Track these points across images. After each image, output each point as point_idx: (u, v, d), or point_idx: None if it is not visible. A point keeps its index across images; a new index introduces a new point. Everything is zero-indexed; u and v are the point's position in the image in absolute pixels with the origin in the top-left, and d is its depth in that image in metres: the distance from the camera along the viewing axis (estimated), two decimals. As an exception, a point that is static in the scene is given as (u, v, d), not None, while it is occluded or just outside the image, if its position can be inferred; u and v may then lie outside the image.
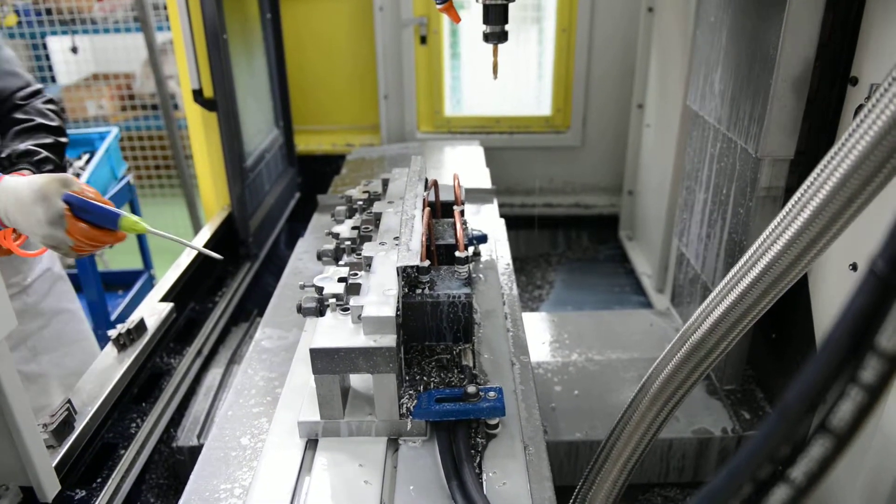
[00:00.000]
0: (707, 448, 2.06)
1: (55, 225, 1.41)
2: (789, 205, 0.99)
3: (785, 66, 1.70)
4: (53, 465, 1.36)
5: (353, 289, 1.37)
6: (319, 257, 1.63)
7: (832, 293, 1.73)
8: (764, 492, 0.53)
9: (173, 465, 1.87)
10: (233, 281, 2.62)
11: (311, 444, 1.29)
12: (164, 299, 2.11)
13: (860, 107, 1.62)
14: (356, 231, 1.62)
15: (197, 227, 4.50)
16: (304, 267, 2.11)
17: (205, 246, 2.49)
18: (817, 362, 0.50)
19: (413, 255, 1.38)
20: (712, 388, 2.21)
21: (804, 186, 0.95)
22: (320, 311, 1.34)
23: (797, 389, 0.50)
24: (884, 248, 0.47)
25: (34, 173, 1.50)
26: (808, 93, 1.73)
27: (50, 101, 1.86)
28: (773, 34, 1.71)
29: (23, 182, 1.43)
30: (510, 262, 2.04)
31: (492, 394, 1.29)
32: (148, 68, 4.69)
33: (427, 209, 1.58)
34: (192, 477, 1.30)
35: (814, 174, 0.93)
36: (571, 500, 1.40)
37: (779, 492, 0.52)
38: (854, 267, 1.60)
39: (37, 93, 1.85)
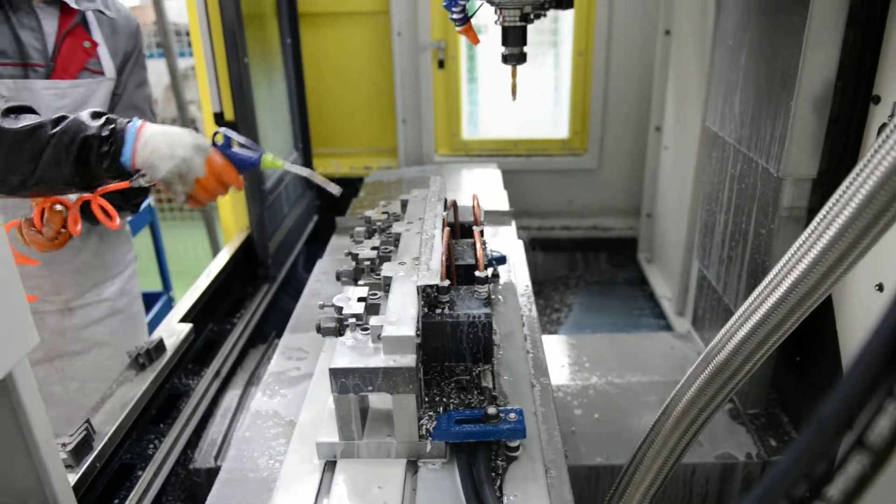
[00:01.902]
0: (731, 474, 2.02)
1: (198, 150, 1.55)
2: (813, 223, 0.98)
3: (806, 86, 1.69)
4: (71, 484, 1.35)
5: (373, 308, 1.37)
6: (338, 277, 1.63)
7: (858, 314, 1.70)
8: (799, 511, 0.51)
9: (190, 487, 1.86)
10: (251, 303, 2.63)
11: (330, 466, 1.28)
12: (183, 320, 2.11)
13: (884, 125, 1.60)
14: (375, 251, 1.62)
15: (216, 250, 4.53)
16: (323, 288, 2.11)
17: (224, 268, 2.51)
18: (852, 375, 0.48)
19: (433, 274, 1.38)
20: (736, 413, 2.17)
21: (829, 205, 0.94)
22: (339, 331, 1.34)
23: (832, 404, 0.49)
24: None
25: None
26: (830, 112, 1.72)
27: None
28: (793, 54, 1.70)
29: (168, 126, 1.59)
30: (529, 283, 2.02)
31: (512, 415, 1.27)
32: (170, 93, 4.78)
33: (447, 229, 1.58)
34: (209, 499, 1.29)
35: (838, 192, 0.92)
36: (593, 525, 1.38)
37: (815, 511, 0.51)
38: (880, 287, 1.57)
39: None
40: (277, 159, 1.67)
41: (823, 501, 0.50)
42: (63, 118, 1.49)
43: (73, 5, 1.78)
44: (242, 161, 1.65)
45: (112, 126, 1.52)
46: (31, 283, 1.83)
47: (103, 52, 1.86)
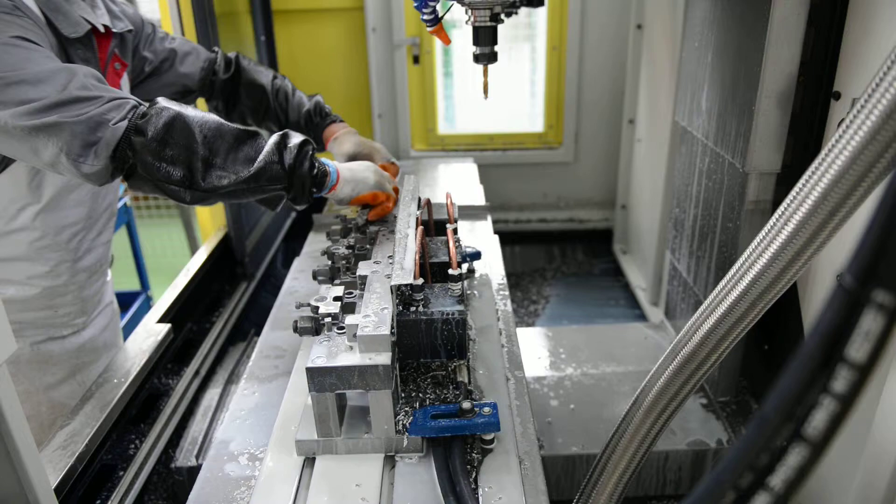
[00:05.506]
0: (703, 460, 2.08)
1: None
2: (773, 219, 1.02)
3: (769, 82, 1.73)
4: (53, 486, 1.36)
5: (349, 308, 1.39)
6: (315, 277, 1.65)
7: (821, 304, 1.75)
8: (745, 499, 0.55)
9: (172, 485, 1.88)
10: (230, 301, 2.64)
11: (309, 462, 1.30)
12: (161, 320, 2.12)
13: (843, 121, 1.65)
14: (351, 250, 1.64)
15: (194, 248, 4.52)
16: (300, 286, 2.12)
17: (202, 266, 2.52)
18: (792, 374, 0.52)
19: (407, 273, 1.40)
20: (707, 401, 2.23)
21: (787, 201, 0.98)
22: (316, 331, 1.36)
23: (774, 400, 0.53)
24: (851, 263, 0.49)
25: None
26: (793, 108, 1.77)
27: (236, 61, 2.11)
28: (756, 51, 1.74)
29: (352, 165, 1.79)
30: (504, 277, 2.06)
31: (487, 409, 1.30)
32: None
33: (420, 228, 1.61)
34: (190, 497, 1.31)
35: (796, 188, 0.95)
36: (568, 514, 1.41)
37: (759, 499, 0.54)
38: (842, 278, 1.62)
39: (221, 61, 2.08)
40: None
41: (767, 491, 0.54)
42: (281, 137, 1.57)
43: (113, 29, 1.71)
44: None
45: (317, 170, 1.62)
46: (63, 310, 1.85)
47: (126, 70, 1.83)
